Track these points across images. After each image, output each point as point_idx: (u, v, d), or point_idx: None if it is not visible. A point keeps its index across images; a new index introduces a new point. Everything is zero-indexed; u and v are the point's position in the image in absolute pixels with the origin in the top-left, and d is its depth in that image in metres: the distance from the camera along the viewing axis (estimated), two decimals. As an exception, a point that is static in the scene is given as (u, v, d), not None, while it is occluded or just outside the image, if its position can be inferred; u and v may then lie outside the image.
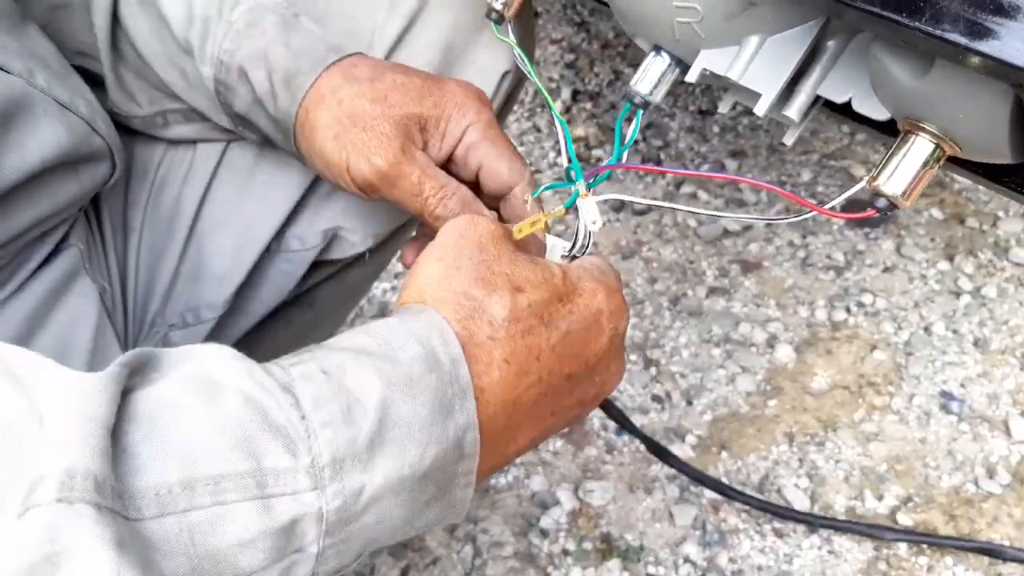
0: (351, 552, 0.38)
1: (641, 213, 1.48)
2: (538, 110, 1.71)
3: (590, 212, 0.52)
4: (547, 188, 0.56)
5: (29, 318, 0.54)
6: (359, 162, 0.55)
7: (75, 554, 0.29)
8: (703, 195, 1.50)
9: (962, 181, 1.52)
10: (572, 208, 0.54)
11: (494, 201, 0.59)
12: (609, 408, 0.96)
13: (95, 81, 0.63)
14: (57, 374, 0.34)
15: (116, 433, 0.32)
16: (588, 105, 1.73)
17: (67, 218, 0.57)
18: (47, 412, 0.32)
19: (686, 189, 1.52)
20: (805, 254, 1.40)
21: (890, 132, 0.58)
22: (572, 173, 0.54)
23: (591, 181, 0.54)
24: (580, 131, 1.66)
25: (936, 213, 1.46)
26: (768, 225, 1.45)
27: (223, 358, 0.37)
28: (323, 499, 0.35)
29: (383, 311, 1.35)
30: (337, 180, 0.57)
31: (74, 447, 0.31)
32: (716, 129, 1.65)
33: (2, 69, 0.50)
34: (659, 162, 1.60)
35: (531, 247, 0.53)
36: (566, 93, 1.74)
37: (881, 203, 0.47)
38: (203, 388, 0.35)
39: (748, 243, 1.41)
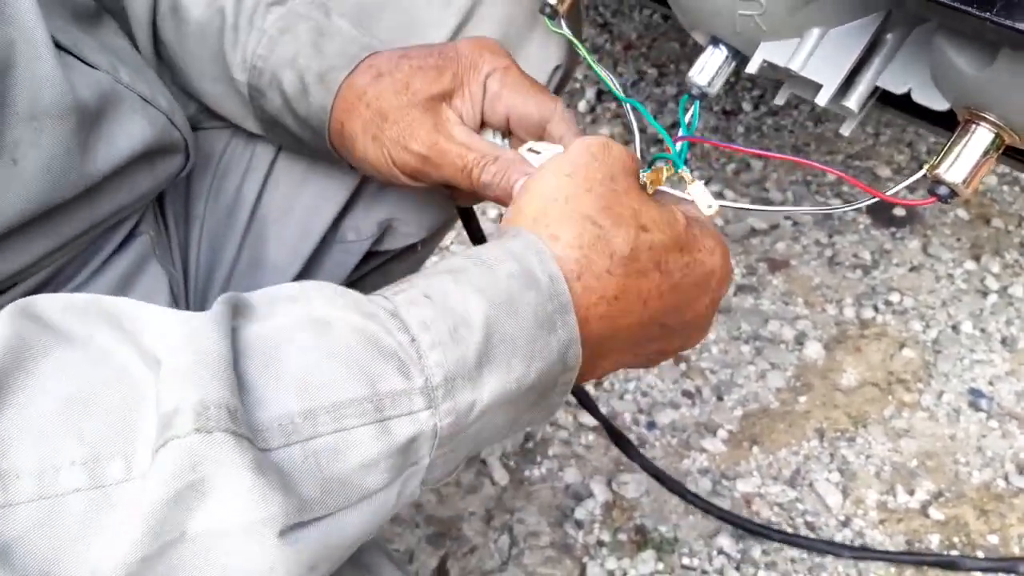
0: (458, 459, 0.40)
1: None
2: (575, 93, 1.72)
3: (703, 196, 0.50)
4: (657, 157, 0.55)
5: None
6: (401, 154, 0.56)
7: (218, 480, 0.31)
8: (730, 194, 1.51)
9: (987, 182, 1.53)
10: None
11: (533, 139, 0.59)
12: (579, 394, 0.94)
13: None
14: (165, 317, 0.35)
15: (236, 368, 0.34)
16: (612, 105, 1.74)
17: (139, 209, 0.59)
18: (164, 353, 0.33)
19: (712, 188, 1.53)
20: (832, 253, 1.41)
21: (943, 124, 0.59)
22: (669, 149, 0.53)
23: (680, 151, 0.54)
24: (605, 130, 1.67)
25: (962, 213, 1.46)
26: (795, 224, 1.47)
27: (328, 294, 0.38)
28: (437, 416, 0.37)
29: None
30: (389, 179, 0.58)
31: (204, 380, 0.32)
32: (741, 129, 1.66)
33: (90, 65, 0.52)
34: (684, 162, 1.61)
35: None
36: (590, 93, 1.75)
37: (942, 191, 0.48)
38: (313, 322, 0.36)
39: (775, 241, 1.42)
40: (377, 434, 0.35)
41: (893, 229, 1.44)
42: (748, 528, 1.02)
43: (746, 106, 1.70)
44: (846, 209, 0.53)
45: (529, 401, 0.41)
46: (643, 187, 0.47)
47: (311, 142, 0.61)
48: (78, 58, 0.52)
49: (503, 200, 0.53)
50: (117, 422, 0.32)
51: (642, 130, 0.63)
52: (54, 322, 0.34)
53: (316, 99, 0.58)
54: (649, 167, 0.51)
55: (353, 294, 0.39)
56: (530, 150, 0.57)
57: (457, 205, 0.68)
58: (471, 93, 0.57)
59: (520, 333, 0.39)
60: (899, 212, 1.47)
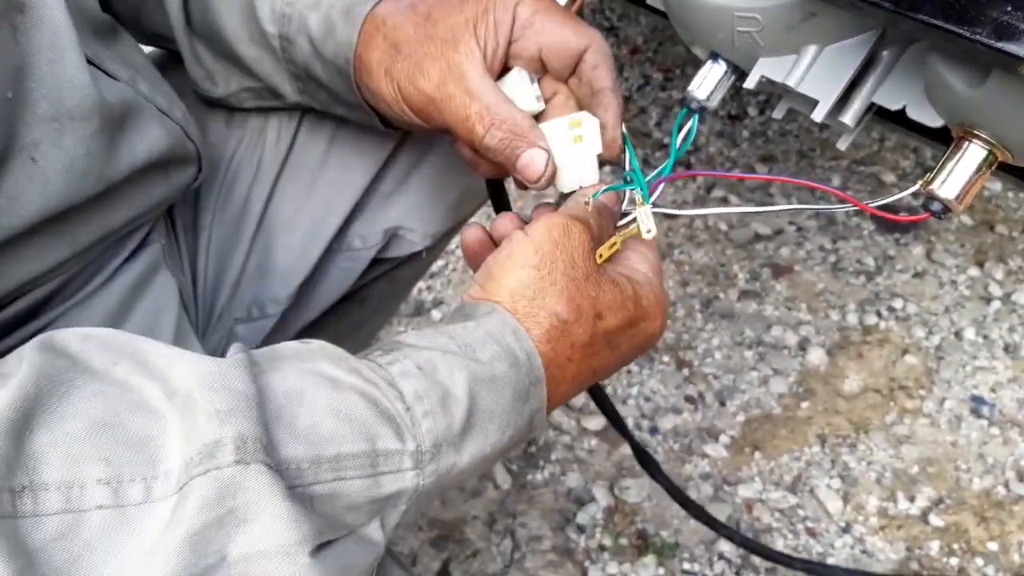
0: (429, 502, 0.46)
1: (672, 217, 1.50)
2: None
3: (645, 221, 0.54)
4: (607, 190, 0.58)
5: (116, 309, 0.57)
6: (409, 89, 0.54)
7: (258, 506, 0.34)
8: (733, 199, 1.52)
9: (992, 188, 1.53)
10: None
11: (564, 76, 0.56)
12: (604, 405, 0.92)
13: (176, 59, 0.66)
14: (187, 356, 0.38)
15: None
16: (619, 110, 1.74)
17: (151, 219, 0.60)
18: (196, 391, 0.36)
19: (716, 193, 1.53)
20: (836, 259, 1.41)
21: (940, 139, 0.60)
22: (630, 179, 0.56)
23: (654, 182, 0.56)
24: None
25: (966, 220, 1.47)
26: (799, 229, 1.47)
27: (332, 355, 0.42)
28: (421, 476, 0.41)
29: (418, 309, 1.38)
30: (400, 116, 0.56)
31: (239, 416, 0.35)
32: (746, 134, 1.66)
33: (112, 76, 0.53)
34: (689, 166, 1.62)
35: (606, 218, 0.54)
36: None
37: (936, 206, 0.49)
38: (322, 379, 0.40)
39: (779, 247, 1.43)
40: (367, 486, 0.39)
41: (897, 235, 1.45)
42: (773, 558, 1.01)
43: (751, 111, 1.70)
44: (840, 208, 0.54)
45: (497, 458, 0.46)
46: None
47: (340, 90, 0.59)
48: (100, 69, 0.53)
49: (503, 167, 0.54)
50: (139, 449, 0.35)
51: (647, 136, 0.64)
52: (78, 354, 0.37)
53: (342, 35, 0.56)
54: (626, 183, 0.56)
55: (352, 359, 0.42)
56: (571, 125, 0.54)
57: (485, 179, 0.64)
58: (497, 20, 0.53)
59: (499, 406, 0.44)
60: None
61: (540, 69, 0.56)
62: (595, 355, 0.49)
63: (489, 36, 0.53)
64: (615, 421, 0.91)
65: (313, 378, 0.40)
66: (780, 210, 0.60)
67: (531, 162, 0.53)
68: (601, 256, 0.53)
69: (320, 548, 0.36)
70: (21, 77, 0.45)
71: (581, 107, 0.57)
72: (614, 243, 0.54)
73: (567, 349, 0.47)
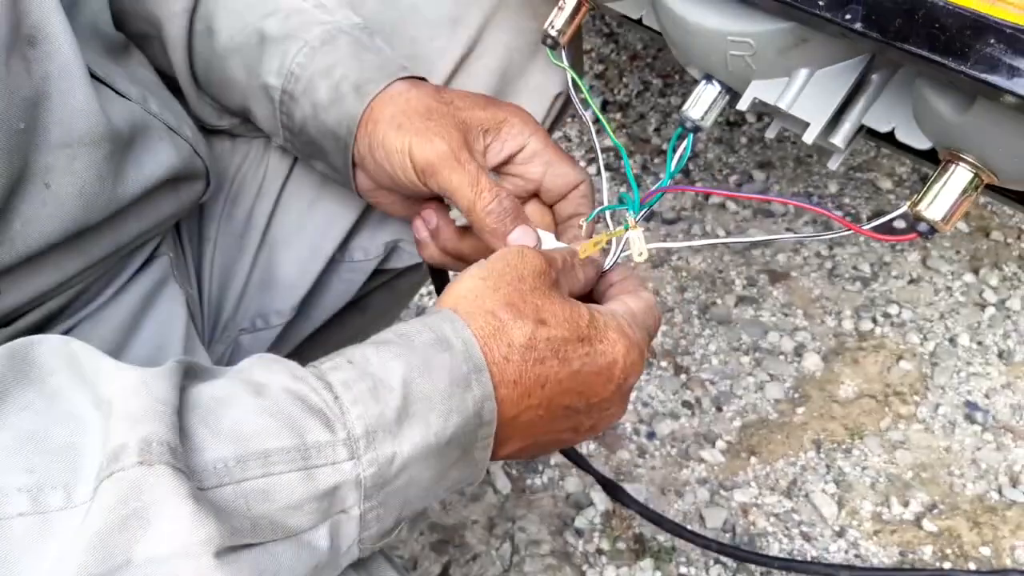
0: (390, 516, 0.43)
1: (671, 222, 1.51)
2: (567, 120, 1.75)
3: (637, 243, 0.55)
4: (603, 210, 0.60)
5: (127, 322, 0.58)
6: (422, 145, 0.56)
7: (159, 507, 0.35)
8: (732, 206, 1.53)
9: (987, 195, 1.54)
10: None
11: (552, 201, 0.62)
12: (568, 452, 0.97)
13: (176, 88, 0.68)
14: (121, 368, 0.39)
15: (179, 418, 0.38)
16: (617, 116, 1.76)
17: (162, 233, 0.62)
18: (117, 398, 0.37)
19: (715, 199, 1.55)
20: (832, 265, 1.43)
21: (929, 159, 0.61)
22: (624, 199, 0.58)
23: (646, 203, 0.57)
24: (609, 142, 1.70)
25: (961, 226, 1.48)
26: (796, 235, 1.49)
27: (264, 362, 0.43)
28: (360, 467, 0.41)
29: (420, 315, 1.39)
30: (396, 170, 0.58)
31: (149, 420, 0.36)
32: (744, 140, 1.68)
33: (123, 96, 0.55)
34: (687, 173, 1.64)
35: (588, 264, 0.57)
36: (595, 104, 1.77)
37: (922, 227, 0.50)
38: (250, 384, 0.41)
39: (776, 253, 1.44)
40: (301, 480, 0.39)
41: (892, 242, 1.46)
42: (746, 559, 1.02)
43: (749, 117, 1.72)
44: (813, 237, 0.56)
45: (453, 456, 0.45)
46: (556, 281, 0.51)
47: (330, 151, 0.62)
48: (111, 88, 0.54)
49: (491, 239, 0.56)
50: (63, 457, 0.36)
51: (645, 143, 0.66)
52: (31, 363, 0.39)
53: (350, 107, 0.59)
54: (620, 204, 0.57)
55: (285, 362, 0.43)
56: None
57: (429, 265, 0.70)
58: (508, 137, 0.60)
59: (436, 392, 0.43)
60: (899, 224, 1.49)
61: (531, 192, 0.62)
62: (540, 363, 0.47)
63: (496, 145, 0.60)
64: (575, 459, 0.93)
65: (243, 384, 0.41)
66: (775, 239, 0.61)
67: (523, 236, 0.56)
68: (585, 251, 0.53)
69: (233, 550, 0.36)
70: (34, 108, 0.47)
71: (556, 225, 0.64)
72: (599, 240, 0.54)
73: (503, 347, 0.46)
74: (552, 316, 0.47)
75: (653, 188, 0.59)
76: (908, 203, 0.51)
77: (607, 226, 0.59)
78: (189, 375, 0.41)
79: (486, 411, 0.45)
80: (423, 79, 0.62)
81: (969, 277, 1.40)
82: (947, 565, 1.05)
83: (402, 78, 0.60)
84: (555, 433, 0.50)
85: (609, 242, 0.56)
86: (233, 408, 0.39)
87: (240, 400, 0.40)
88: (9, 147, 0.45)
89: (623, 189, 0.59)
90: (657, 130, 1.71)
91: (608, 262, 0.57)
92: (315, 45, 0.61)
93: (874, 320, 1.34)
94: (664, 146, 1.68)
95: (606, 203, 0.60)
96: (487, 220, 0.56)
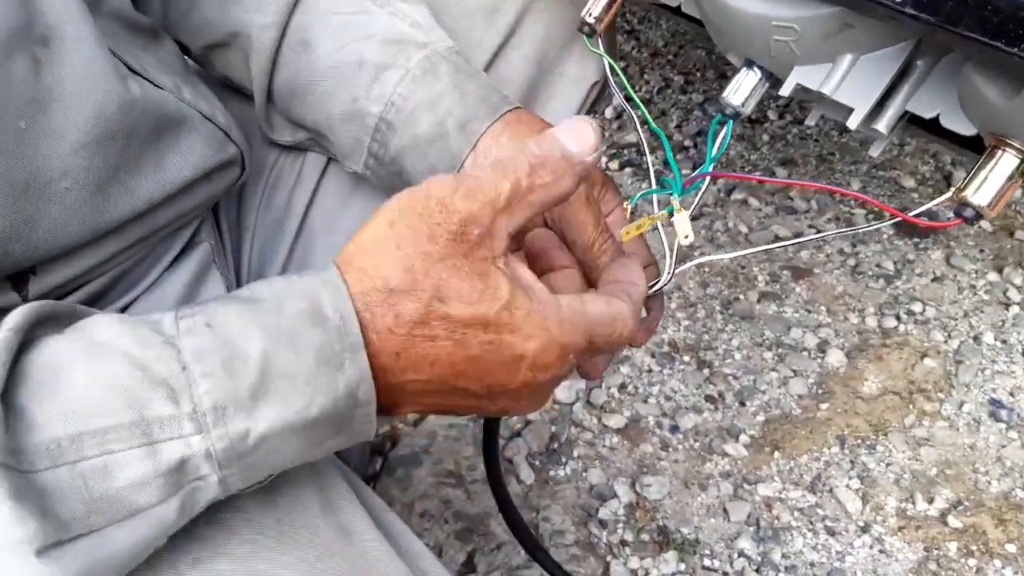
0: (261, 473, 0.41)
1: (694, 219, 1.51)
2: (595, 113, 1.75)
3: (683, 226, 0.56)
4: (644, 194, 0.60)
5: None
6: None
7: None
8: (754, 202, 1.53)
9: (1012, 194, 1.54)
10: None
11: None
12: (544, 561, 0.91)
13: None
14: None
15: (8, 394, 0.36)
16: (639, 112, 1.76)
17: (198, 216, 0.62)
18: None
19: (736, 196, 1.55)
20: (855, 262, 1.42)
21: (972, 147, 0.61)
22: (667, 183, 0.58)
23: (688, 187, 0.58)
24: (632, 137, 1.70)
25: (985, 225, 1.48)
26: (818, 232, 1.48)
27: (108, 320, 0.40)
28: (208, 441, 0.38)
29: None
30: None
31: None
32: (766, 138, 1.68)
33: (156, 85, 0.55)
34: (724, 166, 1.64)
35: (632, 246, 0.57)
36: (617, 100, 1.77)
37: (968, 213, 0.50)
38: (86, 349, 0.38)
39: (799, 250, 1.44)
40: (144, 456, 0.37)
41: (916, 240, 1.46)
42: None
43: (771, 115, 1.72)
44: (861, 229, 0.56)
45: (325, 433, 0.42)
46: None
47: (417, 182, 0.59)
48: (144, 78, 0.55)
49: (594, 274, 0.56)
50: None
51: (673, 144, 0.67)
52: None
53: (454, 146, 0.59)
54: (661, 188, 0.56)
55: (132, 321, 0.40)
56: None
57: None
58: (604, 203, 0.60)
59: (300, 370, 0.40)
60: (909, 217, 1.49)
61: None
62: (430, 340, 0.42)
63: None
64: (491, 465, 0.87)
65: (80, 346, 0.38)
66: (824, 236, 0.61)
67: (626, 272, 0.53)
68: (628, 234, 0.53)
69: (59, 545, 0.35)
70: (38, 109, 0.46)
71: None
72: (642, 223, 0.54)
73: (389, 318, 0.41)
74: (455, 294, 0.42)
75: (695, 173, 0.59)
76: (953, 189, 0.51)
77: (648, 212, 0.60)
78: (44, 323, 0.39)
79: (362, 392, 0.42)
80: (521, 107, 0.61)
81: (993, 276, 1.40)
82: (972, 562, 1.05)
83: (507, 111, 0.59)
84: (453, 406, 0.47)
85: (651, 225, 0.57)
86: (66, 380, 0.37)
87: (75, 369, 0.37)
88: (10, 147, 0.45)
89: (645, 185, 0.59)
90: (678, 127, 1.71)
91: (664, 280, 0.58)
92: (416, 74, 0.60)
93: (898, 317, 1.33)
94: (686, 142, 1.68)
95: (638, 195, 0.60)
96: (602, 259, 0.56)
